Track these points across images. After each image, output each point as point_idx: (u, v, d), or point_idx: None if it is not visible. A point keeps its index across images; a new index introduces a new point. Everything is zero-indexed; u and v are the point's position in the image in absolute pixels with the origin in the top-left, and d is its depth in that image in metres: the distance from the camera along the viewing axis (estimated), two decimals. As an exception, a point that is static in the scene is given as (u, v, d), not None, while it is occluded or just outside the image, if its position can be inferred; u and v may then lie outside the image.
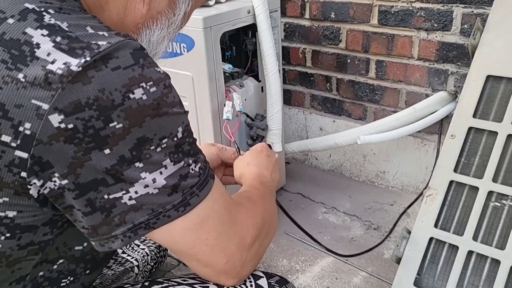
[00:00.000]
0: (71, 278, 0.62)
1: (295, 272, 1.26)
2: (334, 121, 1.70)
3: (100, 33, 0.48)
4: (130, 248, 1.07)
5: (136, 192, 0.50)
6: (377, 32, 1.49)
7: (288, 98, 1.80)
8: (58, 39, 0.47)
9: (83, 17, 0.50)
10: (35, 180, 0.48)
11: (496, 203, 0.96)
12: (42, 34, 0.47)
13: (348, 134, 1.47)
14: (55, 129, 0.46)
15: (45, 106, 0.45)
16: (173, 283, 0.66)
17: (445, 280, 0.94)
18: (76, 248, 0.60)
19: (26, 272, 0.56)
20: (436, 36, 1.38)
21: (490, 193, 0.97)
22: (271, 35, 1.29)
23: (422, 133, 1.49)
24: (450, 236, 0.97)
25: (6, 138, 0.46)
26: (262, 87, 1.38)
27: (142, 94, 0.48)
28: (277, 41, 1.37)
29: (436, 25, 1.36)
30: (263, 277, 0.66)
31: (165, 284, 0.66)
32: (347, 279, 1.23)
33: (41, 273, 0.58)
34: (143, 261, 1.06)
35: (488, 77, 1.04)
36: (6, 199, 0.49)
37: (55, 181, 0.48)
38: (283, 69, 1.76)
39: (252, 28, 1.33)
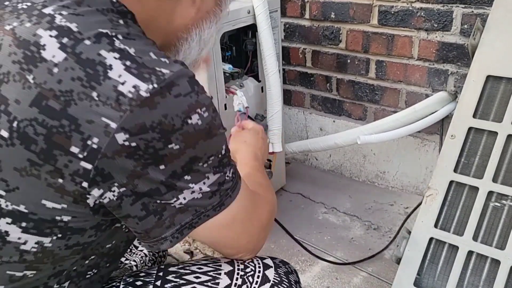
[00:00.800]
0: (95, 271, 0.66)
1: (295, 272, 1.26)
2: (334, 121, 1.70)
3: (162, 59, 0.53)
4: (129, 251, 1.07)
5: (184, 198, 0.56)
6: (377, 32, 1.49)
7: (288, 98, 1.80)
8: (128, 63, 0.51)
9: (145, 43, 0.55)
10: (95, 190, 0.52)
11: (496, 203, 0.96)
12: (114, 57, 0.50)
13: (348, 134, 1.47)
14: (119, 145, 0.49)
15: (113, 125, 0.49)
16: (187, 264, 0.73)
17: (445, 280, 0.94)
18: (107, 246, 0.64)
19: (64, 268, 0.60)
20: (436, 36, 1.38)
21: (490, 193, 0.96)
22: (271, 35, 1.30)
23: (422, 133, 1.49)
24: (450, 236, 0.97)
25: (74, 150, 0.50)
26: (262, 87, 1.39)
27: (198, 120, 0.53)
28: (277, 41, 1.37)
29: (436, 25, 1.36)
30: (267, 258, 0.74)
31: (180, 266, 0.72)
32: (347, 279, 1.23)
33: (74, 268, 0.62)
34: (141, 262, 1.06)
35: (488, 77, 1.04)
36: (65, 205, 0.53)
37: (114, 191, 0.53)
38: (283, 69, 1.76)
39: (252, 28, 1.33)
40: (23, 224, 0.53)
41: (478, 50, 1.07)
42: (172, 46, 0.66)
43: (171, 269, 0.71)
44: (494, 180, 0.97)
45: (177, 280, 0.69)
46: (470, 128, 1.03)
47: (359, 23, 1.52)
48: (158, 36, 0.60)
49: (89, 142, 0.49)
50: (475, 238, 0.95)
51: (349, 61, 1.59)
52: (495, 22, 1.07)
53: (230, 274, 0.70)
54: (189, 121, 0.52)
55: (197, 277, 0.69)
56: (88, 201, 0.53)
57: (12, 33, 0.52)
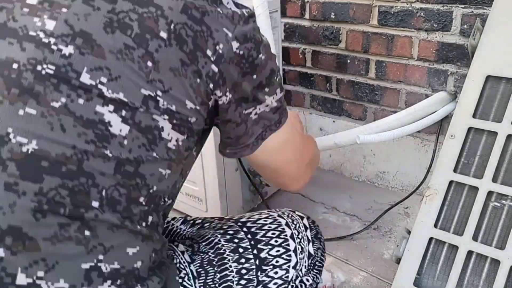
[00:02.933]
0: (171, 201, 0.70)
1: (295, 272, 1.26)
2: (334, 121, 1.70)
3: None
4: None
5: (259, 109, 0.68)
6: (377, 32, 1.49)
7: (288, 99, 1.80)
8: None
9: None
10: (217, 91, 0.63)
11: (496, 203, 0.96)
12: None
13: (348, 134, 1.47)
14: (233, 52, 0.62)
15: (230, 34, 0.61)
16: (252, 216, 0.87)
17: (445, 280, 0.94)
18: (188, 171, 0.72)
19: (176, 178, 0.67)
20: (436, 37, 1.38)
21: (490, 193, 0.97)
22: (271, 35, 1.30)
23: (422, 133, 1.49)
24: (450, 236, 0.97)
25: (209, 52, 0.60)
26: (262, 88, 1.39)
27: (265, 38, 0.67)
28: (277, 41, 1.37)
29: (436, 26, 1.36)
30: (304, 217, 0.90)
31: (249, 218, 0.86)
32: (347, 279, 1.23)
33: (178, 185, 0.69)
34: None
35: (488, 77, 1.04)
36: (198, 107, 0.62)
37: (227, 95, 0.64)
38: (283, 70, 1.76)
39: (252, 29, 1.32)
40: (174, 121, 0.61)
41: (477, 50, 1.07)
42: None
43: (243, 219, 0.85)
44: (494, 180, 0.97)
45: (259, 231, 0.82)
46: (470, 128, 1.03)
47: (359, 23, 1.52)
48: None
49: (217, 47, 0.60)
50: (475, 238, 0.95)
51: (349, 61, 1.59)
52: (495, 22, 1.07)
53: (288, 225, 0.85)
54: (263, 38, 0.66)
55: (269, 227, 0.83)
56: (210, 102, 0.64)
57: None
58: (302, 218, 0.89)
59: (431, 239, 0.99)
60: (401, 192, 1.59)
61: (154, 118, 0.59)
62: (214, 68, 0.61)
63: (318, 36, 1.63)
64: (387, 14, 1.45)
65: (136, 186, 0.59)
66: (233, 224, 0.83)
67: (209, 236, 0.80)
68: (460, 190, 1.00)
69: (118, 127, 0.57)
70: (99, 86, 0.56)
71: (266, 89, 0.68)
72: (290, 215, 0.88)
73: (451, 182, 1.01)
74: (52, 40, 0.56)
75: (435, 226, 0.99)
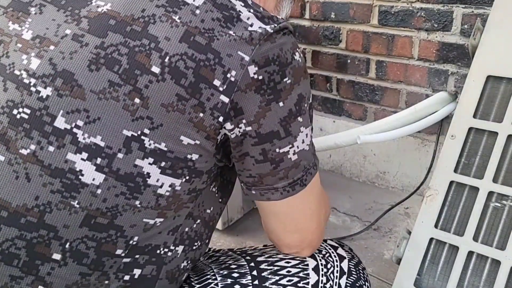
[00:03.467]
0: (199, 243, 0.67)
1: (295, 273, 1.26)
2: (334, 122, 1.70)
3: (271, 14, 0.60)
4: None
5: (298, 147, 0.60)
6: (377, 32, 1.49)
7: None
8: (252, 10, 0.58)
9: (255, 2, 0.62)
10: (227, 124, 0.56)
11: (497, 204, 0.96)
12: (241, 5, 0.57)
13: (348, 134, 1.47)
14: (250, 78, 0.55)
15: (247, 58, 0.54)
16: (269, 252, 0.75)
17: (445, 280, 0.94)
18: (207, 210, 0.67)
19: (180, 222, 0.62)
20: (436, 37, 1.38)
21: (491, 193, 0.96)
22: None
23: (422, 134, 1.49)
24: (451, 237, 0.97)
25: (217, 82, 0.54)
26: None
27: (299, 57, 0.59)
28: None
29: (436, 26, 1.36)
30: (338, 247, 0.77)
31: (266, 256, 0.74)
32: (347, 279, 1.23)
33: (186, 229, 0.64)
34: None
35: (489, 77, 1.04)
36: (198, 142, 0.56)
37: (241, 127, 0.56)
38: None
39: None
40: (162, 164, 0.55)
41: (478, 50, 1.07)
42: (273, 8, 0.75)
43: (259, 259, 0.73)
44: (495, 180, 0.97)
45: (271, 267, 0.71)
46: (470, 128, 1.03)
47: (359, 23, 1.52)
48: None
49: (228, 75, 0.54)
50: (475, 238, 0.95)
51: (349, 61, 1.59)
52: (495, 22, 1.06)
53: (312, 256, 0.72)
54: (295, 57, 0.58)
55: (287, 262, 0.71)
56: (218, 136, 0.57)
57: None
58: (342, 258, 0.75)
59: (431, 239, 0.98)
60: (401, 192, 1.59)
61: (136, 164, 0.54)
62: (224, 99, 0.54)
63: (318, 36, 1.63)
64: (388, 14, 1.44)
65: (108, 239, 0.55)
66: (244, 264, 0.73)
67: (207, 277, 0.71)
68: (460, 190, 1.00)
69: (91, 176, 0.53)
70: (74, 130, 0.53)
71: (300, 119, 0.59)
72: (325, 255, 0.74)
73: (451, 183, 1.01)
74: (33, 81, 0.54)
75: (436, 226, 0.99)
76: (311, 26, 1.63)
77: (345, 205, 1.55)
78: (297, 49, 0.60)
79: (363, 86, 1.59)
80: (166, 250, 0.62)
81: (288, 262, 0.71)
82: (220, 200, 0.68)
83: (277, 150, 0.58)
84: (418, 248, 0.98)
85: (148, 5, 0.55)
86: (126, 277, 0.58)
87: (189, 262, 0.66)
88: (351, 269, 0.73)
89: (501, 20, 1.06)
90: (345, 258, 0.74)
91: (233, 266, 0.72)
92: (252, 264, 0.71)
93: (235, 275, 0.69)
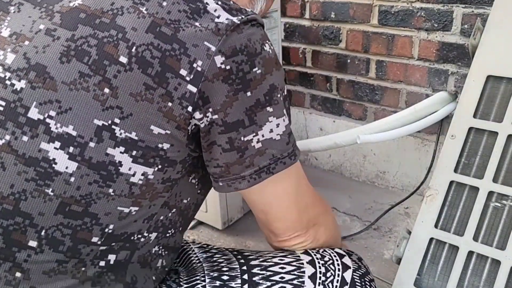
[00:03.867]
0: (172, 231, 0.67)
1: (295, 273, 1.26)
2: (334, 121, 1.70)
3: (242, 6, 0.61)
4: None
5: (263, 136, 0.60)
6: (377, 32, 1.49)
7: (288, 98, 1.80)
8: (219, 2, 0.59)
9: None
10: (196, 113, 0.57)
11: (497, 204, 0.96)
12: None
13: (348, 134, 1.47)
14: (217, 68, 0.56)
15: (213, 48, 0.55)
16: (266, 256, 0.74)
17: (445, 280, 0.94)
18: (184, 200, 0.68)
19: (155, 211, 0.63)
20: (436, 36, 1.37)
21: (491, 193, 0.96)
22: (271, 35, 1.29)
23: (422, 133, 1.49)
24: (451, 237, 0.97)
25: (183, 72, 0.55)
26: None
27: (269, 48, 0.60)
28: (277, 41, 1.37)
29: (436, 25, 1.36)
30: (345, 255, 0.76)
31: (260, 259, 0.74)
32: (347, 279, 1.23)
33: (161, 217, 0.65)
34: None
35: (489, 77, 1.04)
36: (168, 131, 0.57)
37: (208, 116, 0.57)
38: (283, 69, 1.76)
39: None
40: (133, 153, 0.56)
41: (478, 50, 1.07)
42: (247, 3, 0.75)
43: (253, 262, 0.73)
44: (495, 180, 0.97)
45: (263, 272, 0.70)
46: (470, 128, 1.03)
47: (359, 23, 1.52)
48: None
49: (194, 65, 0.55)
50: (475, 238, 0.94)
51: (349, 61, 1.59)
52: (495, 22, 1.06)
53: (312, 263, 0.72)
54: (265, 48, 0.59)
55: (282, 268, 0.70)
56: (188, 127, 0.57)
57: None
58: (341, 256, 0.74)
59: (431, 239, 0.98)
60: (401, 192, 1.59)
61: (108, 152, 0.55)
62: (192, 88, 0.55)
63: (318, 35, 1.63)
64: (388, 14, 1.44)
65: (84, 226, 0.57)
66: (236, 266, 0.72)
67: (197, 278, 0.71)
68: (460, 190, 1.00)
69: (64, 164, 0.55)
70: (47, 120, 0.55)
71: (269, 109, 0.60)
72: (324, 254, 0.74)
73: (451, 182, 1.01)
74: (8, 74, 0.56)
75: (436, 226, 0.99)
76: (311, 26, 1.63)
77: (345, 205, 1.55)
78: (267, 41, 0.61)
79: (363, 86, 1.59)
80: (139, 236, 0.63)
81: (282, 268, 0.70)
82: (199, 191, 0.69)
83: (242, 138, 0.59)
84: (418, 248, 0.98)
85: None
86: (102, 263, 0.60)
87: (161, 247, 0.67)
88: (355, 279, 0.72)
89: (501, 20, 1.06)
90: (349, 267, 0.73)
91: (224, 269, 0.72)
92: (244, 267, 0.71)
93: (225, 277, 0.70)
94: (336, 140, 1.48)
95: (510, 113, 0.99)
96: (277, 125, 0.61)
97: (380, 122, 1.42)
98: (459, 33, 1.33)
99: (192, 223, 1.46)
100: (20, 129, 0.55)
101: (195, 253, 0.79)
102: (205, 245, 0.82)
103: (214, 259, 0.76)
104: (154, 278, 0.68)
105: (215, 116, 0.57)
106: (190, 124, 0.58)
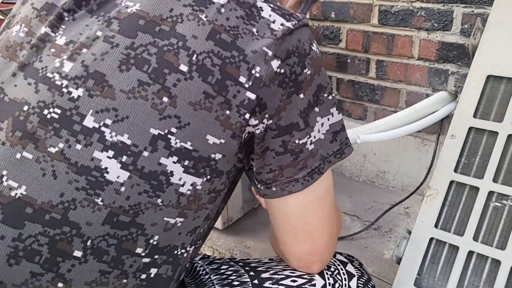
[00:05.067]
0: (200, 242, 0.67)
1: (295, 272, 1.26)
2: (334, 121, 1.70)
3: (291, 10, 0.62)
4: None
5: (314, 137, 0.60)
6: (377, 32, 1.49)
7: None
8: (272, 5, 0.59)
9: None
10: (252, 120, 0.56)
11: (497, 203, 0.96)
12: (261, 1, 0.59)
13: (348, 134, 1.47)
14: (274, 73, 0.55)
15: (270, 53, 0.55)
16: (276, 268, 0.72)
17: (446, 280, 0.94)
18: (214, 210, 0.66)
19: (198, 224, 0.62)
20: (437, 36, 1.37)
21: (491, 193, 0.96)
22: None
23: (422, 133, 1.49)
24: (451, 236, 0.97)
25: (242, 79, 0.55)
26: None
27: (316, 48, 0.60)
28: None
29: (436, 25, 1.36)
30: (348, 263, 0.75)
31: (271, 271, 0.72)
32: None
33: (201, 230, 0.64)
34: None
35: (489, 77, 1.04)
36: (223, 140, 0.56)
37: (264, 122, 0.57)
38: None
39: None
40: (186, 163, 0.55)
41: (478, 50, 1.07)
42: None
43: (264, 275, 0.71)
44: (495, 180, 0.97)
45: (276, 286, 0.69)
46: (470, 128, 1.03)
47: (359, 23, 1.52)
48: None
49: (253, 71, 0.55)
50: (475, 238, 0.94)
51: (349, 60, 1.59)
52: (495, 22, 1.06)
53: (321, 275, 0.70)
54: (313, 47, 0.59)
55: (293, 281, 0.69)
56: (243, 134, 0.57)
57: None
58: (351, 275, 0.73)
59: (431, 239, 0.98)
60: (401, 192, 1.59)
61: (160, 162, 0.55)
62: (250, 95, 0.55)
63: (318, 35, 1.63)
64: (388, 14, 1.44)
65: (129, 237, 0.56)
66: (247, 280, 0.71)
67: None
68: (460, 190, 1.00)
69: (116, 173, 0.54)
70: (102, 128, 0.54)
71: (316, 109, 0.60)
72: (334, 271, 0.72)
73: (451, 182, 1.01)
74: (65, 82, 0.55)
75: (436, 226, 0.99)
76: (311, 26, 1.63)
77: (345, 205, 1.55)
78: (314, 41, 0.61)
79: (363, 86, 1.59)
80: (183, 251, 0.62)
81: (294, 281, 0.69)
82: (223, 199, 0.69)
83: (296, 141, 0.59)
84: (418, 248, 0.98)
85: (176, 4, 0.56)
86: (143, 276, 0.59)
87: (190, 260, 0.67)
88: (360, 287, 0.72)
89: (501, 20, 1.06)
90: (354, 276, 0.73)
91: (235, 283, 0.70)
92: (256, 281, 0.70)
93: None
94: (336, 140, 1.48)
95: (510, 113, 0.99)
96: (322, 125, 0.61)
97: (380, 122, 1.42)
98: (459, 33, 1.33)
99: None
100: (75, 137, 0.54)
101: (201, 266, 0.77)
102: (206, 256, 0.80)
103: (222, 271, 0.74)
104: None
105: (270, 122, 0.57)
106: (244, 132, 0.57)
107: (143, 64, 0.54)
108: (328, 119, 0.62)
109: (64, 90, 0.55)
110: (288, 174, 0.61)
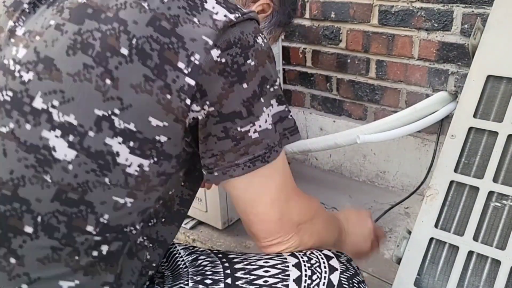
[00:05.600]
0: (154, 220, 0.68)
1: (295, 272, 1.26)
2: (334, 121, 1.70)
3: (239, 4, 0.65)
4: None
5: (260, 126, 0.62)
6: (377, 32, 1.49)
7: (288, 98, 1.80)
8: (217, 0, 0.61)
9: None
10: (194, 106, 0.58)
11: (497, 203, 0.96)
12: None
13: (348, 134, 1.47)
14: (214, 62, 0.57)
15: (210, 42, 0.57)
16: (251, 258, 0.74)
17: (446, 280, 0.94)
18: (169, 192, 0.68)
19: (149, 205, 0.64)
20: (437, 36, 1.37)
21: (491, 193, 0.96)
22: (271, 35, 1.29)
23: (422, 133, 1.49)
24: (451, 237, 0.97)
25: (181, 65, 0.57)
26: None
27: (262, 41, 0.62)
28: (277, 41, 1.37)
29: (436, 25, 1.36)
30: (333, 257, 0.74)
31: (245, 262, 0.73)
32: (347, 279, 1.23)
33: (151, 210, 0.66)
34: None
35: (489, 77, 1.04)
36: (166, 123, 0.58)
37: (205, 108, 0.59)
38: (283, 69, 1.76)
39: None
40: (131, 144, 0.58)
41: (478, 50, 1.07)
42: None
43: (237, 266, 0.72)
44: (495, 180, 0.97)
45: (247, 276, 0.70)
46: (470, 128, 1.03)
47: (359, 23, 1.52)
48: None
49: (192, 58, 0.57)
50: (475, 238, 0.94)
51: (349, 61, 1.59)
52: (495, 22, 1.06)
53: (297, 266, 0.70)
54: (258, 40, 0.61)
55: (266, 271, 0.70)
56: (186, 119, 0.59)
57: None
58: (329, 258, 0.73)
59: (431, 239, 0.98)
60: (401, 192, 1.59)
61: (106, 142, 0.57)
62: (190, 81, 0.57)
63: (318, 35, 1.63)
64: (388, 14, 1.44)
65: (79, 214, 0.58)
66: (220, 270, 0.72)
67: (180, 282, 0.71)
68: (460, 190, 1.00)
69: (63, 152, 0.57)
70: (50, 109, 0.57)
71: (262, 100, 0.62)
72: (310, 256, 0.72)
73: (451, 182, 1.01)
74: (18, 67, 0.59)
75: (436, 226, 0.99)
76: (311, 26, 1.63)
77: (345, 205, 1.55)
78: (260, 34, 0.62)
79: (363, 86, 1.59)
80: (132, 228, 0.64)
81: (266, 271, 0.70)
82: (182, 183, 0.70)
83: (238, 128, 0.61)
84: (418, 248, 0.98)
85: None
86: (95, 253, 0.61)
87: (144, 237, 0.68)
88: (343, 281, 0.70)
89: (501, 20, 1.06)
90: (336, 269, 0.71)
91: (208, 272, 0.72)
92: (228, 271, 0.71)
93: (208, 281, 0.70)
94: (336, 140, 1.48)
95: (510, 113, 0.99)
96: (268, 115, 0.63)
97: (380, 122, 1.42)
98: (459, 33, 1.33)
99: (192, 223, 1.46)
100: (24, 117, 0.57)
101: (181, 256, 0.79)
102: (191, 247, 0.82)
103: (199, 261, 0.76)
104: (141, 271, 0.68)
105: (212, 108, 0.59)
106: (188, 117, 0.59)
107: (88, 48, 0.57)
108: (270, 110, 0.64)
109: (17, 74, 0.58)
110: (229, 158, 0.63)
